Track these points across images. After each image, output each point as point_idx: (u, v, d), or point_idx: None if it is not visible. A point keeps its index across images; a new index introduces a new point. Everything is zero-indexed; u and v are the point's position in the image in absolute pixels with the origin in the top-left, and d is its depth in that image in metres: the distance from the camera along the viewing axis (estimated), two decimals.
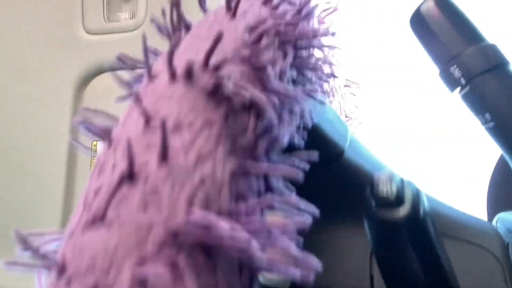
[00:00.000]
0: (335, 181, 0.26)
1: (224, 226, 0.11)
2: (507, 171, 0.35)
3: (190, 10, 0.22)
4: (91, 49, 0.47)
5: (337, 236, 0.27)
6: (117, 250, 0.11)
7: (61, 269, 0.12)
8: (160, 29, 0.22)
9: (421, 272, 0.16)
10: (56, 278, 0.12)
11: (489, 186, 0.37)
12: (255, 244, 0.11)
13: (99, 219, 0.12)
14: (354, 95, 0.54)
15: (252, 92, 0.14)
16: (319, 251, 0.28)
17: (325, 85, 0.22)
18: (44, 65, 0.49)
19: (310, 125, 0.21)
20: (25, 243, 0.12)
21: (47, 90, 0.49)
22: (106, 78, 0.47)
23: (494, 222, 0.33)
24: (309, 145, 0.19)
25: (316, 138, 0.21)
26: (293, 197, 0.13)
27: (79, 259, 0.12)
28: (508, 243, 0.30)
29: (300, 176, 0.13)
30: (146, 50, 0.17)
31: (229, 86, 0.14)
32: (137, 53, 0.19)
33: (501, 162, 0.36)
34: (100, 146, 0.48)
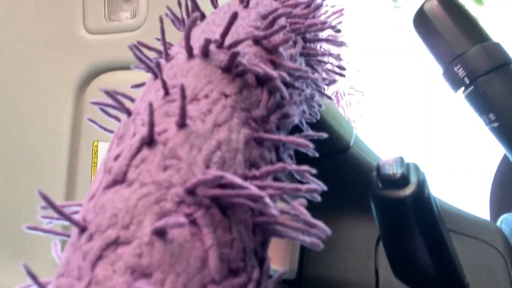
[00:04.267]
0: (339, 174, 0.26)
1: (239, 182, 0.11)
2: (511, 172, 0.35)
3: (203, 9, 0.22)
4: (92, 49, 0.48)
5: (341, 230, 0.27)
6: (137, 207, 0.12)
7: (82, 229, 0.12)
8: (173, 21, 0.23)
9: (426, 252, 0.17)
10: (77, 237, 0.13)
11: (492, 187, 0.38)
12: (268, 201, 0.11)
13: (119, 180, 0.13)
14: (358, 103, 0.54)
15: (265, 69, 0.15)
16: (325, 246, 0.28)
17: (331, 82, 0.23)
18: (45, 65, 0.49)
19: (317, 115, 0.21)
20: (48, 201, 0.12)
21: (48, 90, 0.49)
22: (107, 78, 0.47)
23: (498, 223, 0.33)
24: (315, 139, 0.20)
25: (322, 131, 0.21)
26: (304, 167, 0.13)
27: (100, 217, 0.12)
28: None
29: (310, 146, 0.13)
30: (163, 35, 0.18)
31: (243, 62, 0.14)
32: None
33: (505, 163, 0.36)
34: (102, 146, 0.48)
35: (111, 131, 0.18)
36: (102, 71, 0.48)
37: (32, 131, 0.50)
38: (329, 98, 0.23)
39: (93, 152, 0.48)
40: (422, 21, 0.29)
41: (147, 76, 0.19)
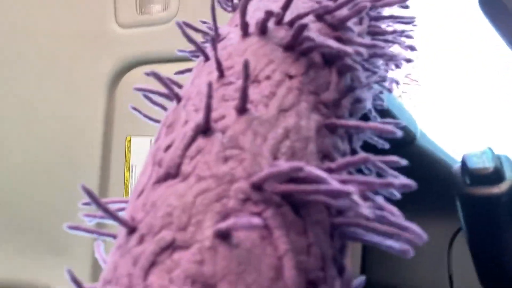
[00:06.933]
0: (407, 167, 0.23)
1: (321, 175, 0.09)
2: None
3: None
4: (123, 43, 0.47)
5: None
6: (195, 204, 0.10)
7: (131, 229, 0.11)
8: (221, 3, 0.21)
9: None
10: (125, 239, 0.11)
11: None
12: (357, 198, 0.09)
13: (173, 173, 0.11)
14: (414, 93, 0.51)
15: (337, 44, 0.13)
16: None
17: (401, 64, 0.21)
18: (78, 60, 0.49)
19: (384, 102, 0.19)
20: (92, 197, 0.11)
21: (81, 85, 0.48)
22: (140, 72, 0.46)
23: None
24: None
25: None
26: (393, 157, 0.11)
27: (151, 216, 0.10)
28: None
29: (398, 133, 0.11)
30: (214, 11, 0.16)
31: (312, 37, 0.12)
32: (170, 45, 0.18)
33: None
34: (134, 141, 0.47)
35: (154, 120, 0.16)
36: (134, 65, 0.47)
37: (65, 126, 0.50)
38: (390, 88, 0.21)
39: (126, 147, 0.48)
40: (489, 1, 0.26)
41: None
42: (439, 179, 0.17)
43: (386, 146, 0.16)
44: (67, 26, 0.50)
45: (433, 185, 0.20)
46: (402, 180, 0.10)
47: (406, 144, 0.23)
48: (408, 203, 0.27)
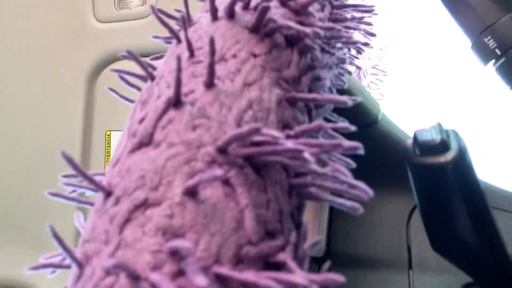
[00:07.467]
0: (368, 149, 0.25)
1: (277, 135, 0.10)
2: None
3: None
4: (102, 38, 0.47)
5: (370, 207, 0.26)
6: (166, 167, 0.11)
7: (108, 193, 0.12)
8: None
9: (468, 221, 0.16)
10: (102, 202, 0.12)
11: None
12: (308, 156, 0.10)
13: (145, 142, 0.12)
14: (382, 82, 0.53)
15: (296, 26, 0.14)
16: (353, 223, 0.27)
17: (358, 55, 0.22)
18: (56, 55, 0.48)
19: (346, 84, 0.20)
20: (72, 164, 0.12)
21: (60, 80, 0.48)
22: (119, 66, 0.46)
23: None
24: (344, 111, 0.19)
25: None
26: (343, 124, 0.12)
27: (126, 180, 0.11)
28: None
29: (348, 102, 0.13)
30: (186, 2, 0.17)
31: (274, 18, 0.14)
32: (148, 40, 0.19)
33: None
34: (114, 135, 0.48)
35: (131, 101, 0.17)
36: (113, 60, 0.48)
37: (44, 121, 0.50)
38: (359, 68, 0.22)
39: (106, 142, 0.48)
40: None
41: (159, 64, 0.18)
42: (399, 158, 0.19)
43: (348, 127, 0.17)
44: (45, 21, 0.50)
45: (394, 164, 0.21)
46: (350, 142, 0.11)
47: (368, 126, 0.24)
48: (371, 181, 0.28)
